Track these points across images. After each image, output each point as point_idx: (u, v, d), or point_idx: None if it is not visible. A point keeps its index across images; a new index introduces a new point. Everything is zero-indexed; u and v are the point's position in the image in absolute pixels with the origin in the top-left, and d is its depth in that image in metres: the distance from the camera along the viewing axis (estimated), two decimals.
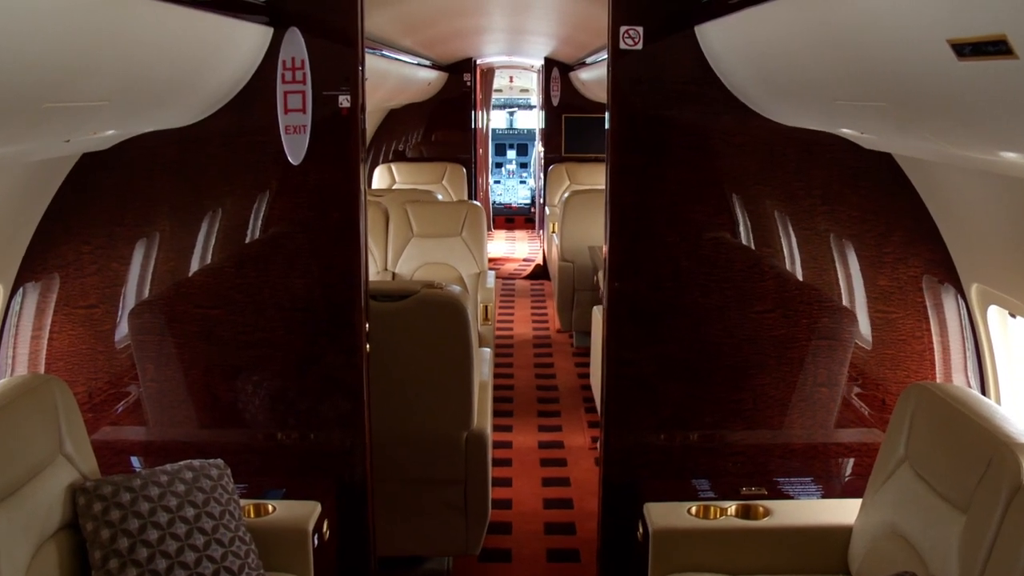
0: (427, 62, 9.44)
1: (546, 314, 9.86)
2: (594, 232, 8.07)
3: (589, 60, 8.95)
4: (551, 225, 10.26)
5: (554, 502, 5.41)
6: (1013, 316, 3.14)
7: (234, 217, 3.45)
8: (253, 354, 3.58)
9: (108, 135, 2.87)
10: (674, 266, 3.48)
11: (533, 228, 15.31)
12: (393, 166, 10.91)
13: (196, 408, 3.66)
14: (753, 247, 3.45)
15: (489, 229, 14.96)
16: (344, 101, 3.32)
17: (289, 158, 3.34)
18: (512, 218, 16.03)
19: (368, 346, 3.61)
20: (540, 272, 11.67)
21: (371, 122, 11.04)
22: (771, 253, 3.45)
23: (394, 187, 10.75)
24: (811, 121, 2.92)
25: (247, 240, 3.47)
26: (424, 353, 4.09)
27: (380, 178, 10.79)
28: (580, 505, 5.35)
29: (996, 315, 3.23)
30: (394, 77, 7.28)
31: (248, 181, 3.43)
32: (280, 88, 3.30)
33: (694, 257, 3.46)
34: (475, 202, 7.45)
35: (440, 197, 8.46)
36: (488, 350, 5.15)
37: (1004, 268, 3.02)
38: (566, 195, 8.43)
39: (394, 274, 7.11)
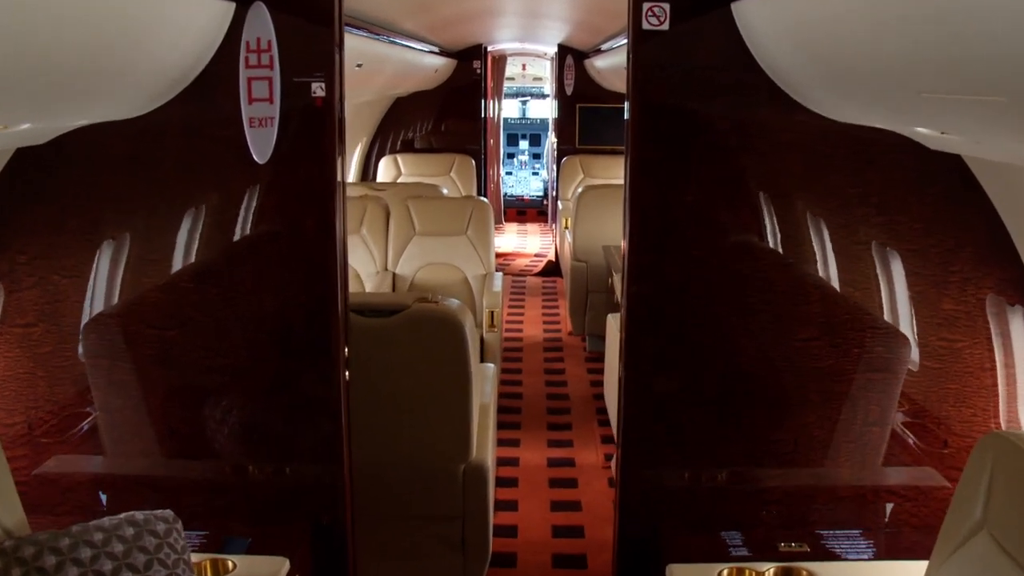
0: (434, 48, 8.95)
1: (558, 314, 9.38)
2: (609, 230, 7.58)
3: (605, 47, 8.44)
4: (563, 220, 9.77)
5: (564, 530, 4.94)
6: None
7: (192, 224, 2.97)
8: (216, 380, 3.11)
9: (23, 129, 2.40)
10: (704, 283, 2.98)
11: (545, 221, 14.83)
12: (399, 157, 10.43)
13: (153, 440, 3.20)
14: (796, 263, 2.94)
15: (500, 222, 14.51)
16: (318, 89, 2.84)
17: (254, 155, 2.86)
18: (524, 211, 15.54)
19: (348, 369, 3.14)
20: (552, 269, 11.18)
21: (376, 111, 10.56)
22: (817, 270, 2.94)
23: (399, 179, 10.29)
24: (878, 117, 2.41)
25: (207, 251, 2.99)
26: (416, 376, 3.62)
27: (385, 170, 10.31)
28: (592, 534, 4.88)
29: None
30: (394, 63, 6.79)
31: (208, 182, 2.95)
32: (243, 74, 2.82)
33: (726, 273, 2.96)
34: (482, 198, 6.96)
35: (446, 191, 7.98)
36: (492, 366, 4.67)
37: None
38: (579, 190, 7.93)
39: (394, 275, 6.64)
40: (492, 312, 6.06)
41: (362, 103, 9.06)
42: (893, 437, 3.09)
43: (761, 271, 2.94)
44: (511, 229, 14.56)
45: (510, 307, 9.65)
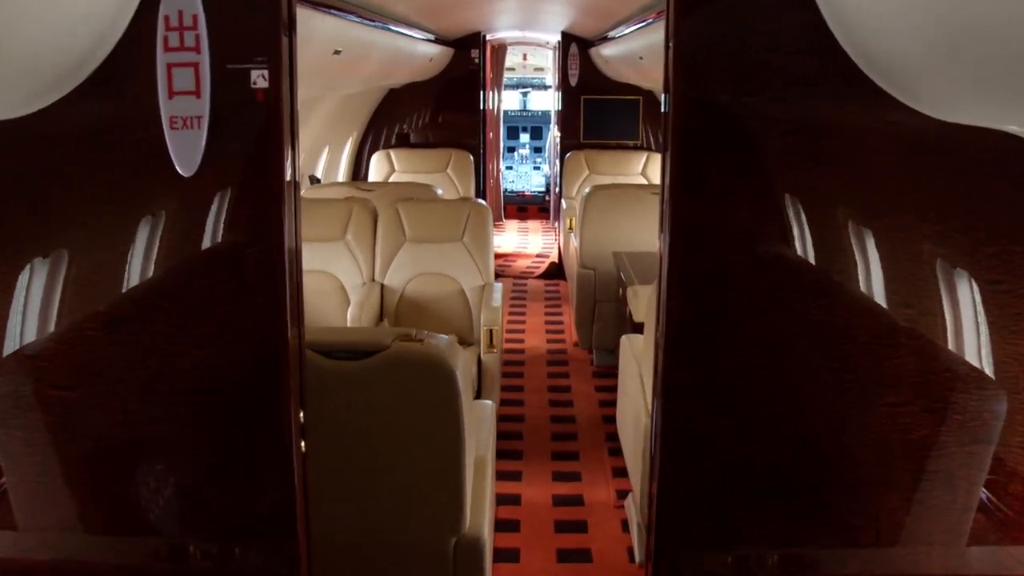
0: (428, 35, 8.26)
1: (562, 322, 8.71)
2: (620, 235, 6.91)
3: (613, 34, 7.76)
4: (567, 220, 9.11)
5: None
6: None
7: (99, 256, 2.30)
8: (142, 446, 2.44)
9: None
10: (764, 330, 2.31)
11: (547, 218, 14.15)
12: (392, 153, 9.76)
13: (71, 518, 2.55)
14: (884, 306, 2.26)
15: (500, 220, 13.84)
16: (260, 79, 2.17)
17: (177, 166, 2.19)
18: (525, 207, 14.87)
19: (305, 424, 2.47)
20: (555, 271, 10.50)
21: (367, 103, 9.88)
22: (911, 315, 2.27)
23: (393, 176, 9.62)
24: (1017, 115, 1.73)
25: (121, 289, 2.32)
26: (396, 432, 2.96)
27: (377, 166, 9.64)
28: None
29: None
30: (382, 50, 6.11)
31: (118, 202, 2.27)
32: (161, 59, 2.15)
33: (793, 317, 2.29)
34: (480, 201, 6.29)
35: (440, 192, 7.30)
36: (489, 404, 4.00)
37: None
38: (587, 190, 7.26)
39: (383, 286, 5.98)
40: (491, 331, 5.40)
41: (351, 95, 8.38)
42: (995, 516, 2.43)
43: (838, 316, 2.26)
44: (511, 227, 13.88)
45: (510, 314, 8.99)
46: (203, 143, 2.17)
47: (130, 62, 2.15)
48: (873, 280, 2.24)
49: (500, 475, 5.29)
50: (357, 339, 3.02)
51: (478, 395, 5.43)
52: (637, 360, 4.46)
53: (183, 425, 2.38)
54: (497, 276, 10.61)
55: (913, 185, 2.19)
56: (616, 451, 5.72)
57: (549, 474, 5.50)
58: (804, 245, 2.26)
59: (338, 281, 5.98)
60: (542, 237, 13.05)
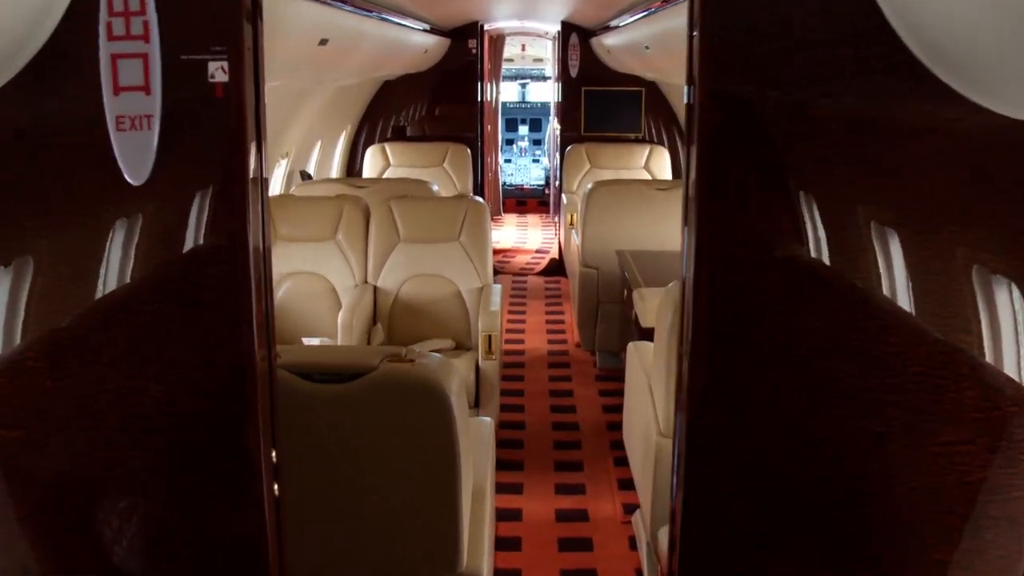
0: (424, 25, 7.95)
1: (563, 322, 8.42)
2: (624, 233, 6.61)
3: (615, 23, 7.45)
4: (568, 216, 8.82)
5: None
6: None
7: (39, 279, 2.00)
8: (88, 494, 2.15)
9: None
10: (801, 354, 2.02)
11: (547, 212, 13.85)
12: (387, 146, 9.45)
13: (20, 567, 2.26)
14: (941, 330, 1.97)
15: (498, 214, 13.54)
16: (219, 72, 1.87)
17: (125, 173, 1.89)
18: (524, 201, 14.58)
19: (276, 453, 2.18)
20: (556, 268, 10.20)
21: (361, 96, 9.57)
22: (972, 343, 1.97)
23: (388, 171, 9.31)
24: None
25: (65, 319, 2.02)
26: (386, 462, 2.67)
27: (372, 161, 9.34)
28: None
29: None
30: (373, 40, 5.80)
31: (56, 216, 1.98)
32: (104, 49, 1.85)
33: (835, 339, 2.00)
34: (477, 198, 5.99)
35: (436, 188, 7.00)
36: (489, 420, 3.71)
37: None
38: (588, 185, 6.96)
39: (375, 288, 5.68)
40: (490, 336, 5.11)
41: (344, 88, 8.07)
42: None
43: (887, 342, 1.97)
44: (510, 221, 13.58)
45: (509, 313, 8.70)
46: (154, 146, 1.88)
47: (68, 53, 1.86)
48: (928, 302, 1.94)
49: (500, 487, 5.02)
50: (340, 360, 2.72)
51: (476, 404, 5.14)
52: (646, 370, 4.17)
53: (140, 467, 2.09)
54: (496, 272, 10.34)
55: (979, 193, 1.89)
56: (622, 461, 5.43)
57: (551, 486, 5.22)
58: (849, 259, 1.96)
59: (329, 283, 5.69)
60: (541, 232, 12.75)
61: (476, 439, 3.25)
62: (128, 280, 1.97)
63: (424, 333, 5.66)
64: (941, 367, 1.97)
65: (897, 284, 1.96)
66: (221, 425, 2.07)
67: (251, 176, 1.92)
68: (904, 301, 1.96)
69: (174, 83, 1.88)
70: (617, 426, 5.96)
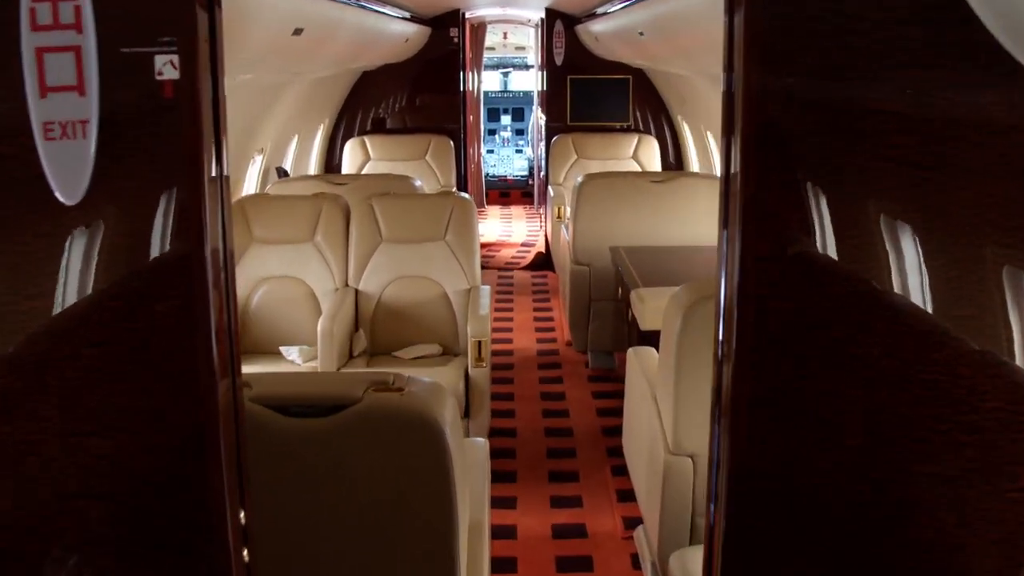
0: (404, 13, 7.63)
1: (552, 318, 8.14)
2: (617, 227, 6.34)
3: (603, 9, 7.15)
4: (555, 209, 8.53)
5: None
6: None
7: None
8: (36, 548, 1.84)
9: None
10: (857, 387, 1.74)
11: (531, 203, 13.56)
12: (367, 140, 9.12)
13: None
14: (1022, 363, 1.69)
15: (482, 206, 13.23)
16: (167, 67, 1.56)
17: (56, 191, 1.58)
18: (507, 192, 14.28)
19: (245, 498, 1.88)
20: (543, 262, 9.92)
21: (339, 87, 9.23)
22: None
23: (367, 165, 8.99)
24: None
25: None
26: (373, 502, 2.38)
27: (351, 155, 9.01)
28: None
29: None
30: (351, 29, 5.48)
31: None
32: (27, 42, 1.54)
33: (897, 371, 1.71)
34: (463, 194, 5.70)
35: (419, 184, 6.69)
36: (483, 442, 3.42)
37: None
38: (579, 178, 6.67)
39: (357, 291, 5.38)
40: (480, 343, 4.82)
41: (321, 80, 7.74)
42: None
43: (960, 376, 1.68)
44: (494, 214, 13.29)
45: (496, 311, 8.41)
46: (91, 158, 1.57)
47: None
48: (1010, 330, 1.66)
49: (493, 501, 4.74)
50: (320, 390, 2.42)
51: (466, 414, 4.85)
52: (648, 378, 3.89)
53: (79, 539, 1.78)
54: (482, 267, 10.00)
55: None
56: (620, 470, 5.16)
57: (547, 499, 4.94)
58: (915, 280, 1.68)
59: (307, 287, 5.38)
60: (526, 224, 12.46)
61: (471, 465, 2.96)
62: (61, 318, 1.66)
63: (409, 338, 5.36)
64: (1022, 403, 1.69)
65: (972, 310, 1.68)
66: (176, 484, 1.76)
67: (206, 193, 1.61)
68: (981, 330, 1.68)
69: (113, 82, 1.57)
70: (613, 431, 5.70)
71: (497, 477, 5.11)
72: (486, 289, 5.45)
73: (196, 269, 1.65)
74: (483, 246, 11.03)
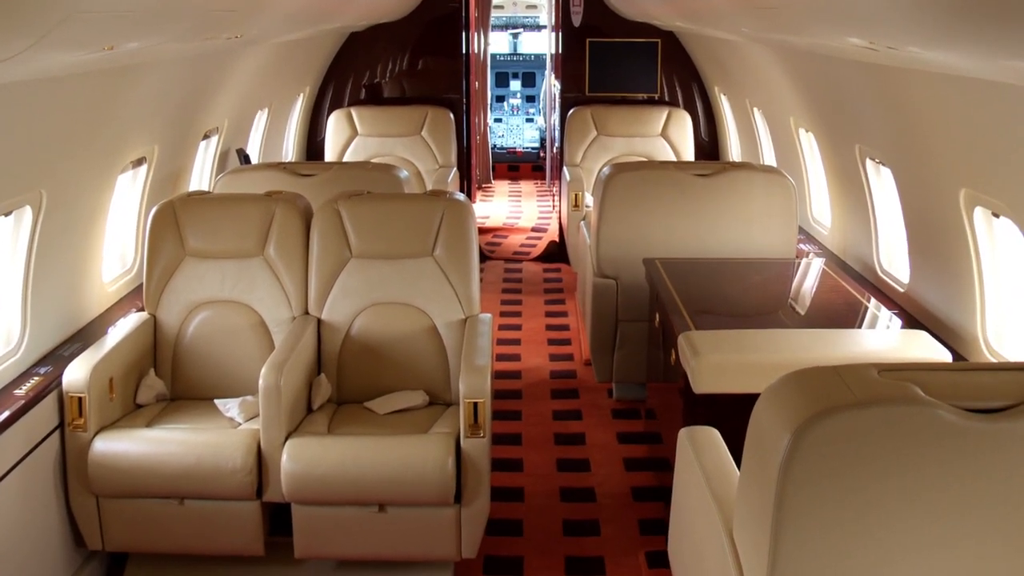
0: None
1: (567, 327, 6.90)
2: (652, 234, 5.08)
3: None
4: (572, 196, 7.26)
5: None
6: None
7: None
8: None
9: None
10: None
11: (542, 178, 12.25)
12: (354, 112, 7.82)
13: None
14: None
15: (488, 181, 11.96)
16: None
17: None
18: (516, 166, 12.97)
19: None
20: (556, 252, 8.64)
21: (322, 52, 7.94)
22: None
23: (353, 142, 7.70)
24: None
25: None
26: None
27: (335, 130, 7.72)
28: None
29: None
30: None
31: None
32: None
33: None
34: (458, 195, 4.43)
35: (405, 176, 5.41)
36: None
37: None
38: (605, 170, 5.39)
39: (319, 322, 4.15)
40: (475, 404, 3.58)
41: (297, 42, 6.42)
42: None
43: None
44: (501, 190, 11.99)
45: (501, 314, 7.18)
46: None
47: None
48: None
49: None
50: None
51: (456, 498, 3.61)
52: (714, 491, 2.63)
53: None
54: (484, 258, 8.75)
55: None
56: (658, 558, 3.95)
57: None
58: None
59: (256, 315, 4.15)
60: (537, 204, 11.17)
61: None
62: None
63: (386, 384, 4.12)
64: None
65: None
66: None
67: None
68: None
69: None
70: (644, 492, 4.49)
71: (496, 567, 3.91)
72: (487, 319, 4.20)
73: None
74: (488, 231, 9.77)
